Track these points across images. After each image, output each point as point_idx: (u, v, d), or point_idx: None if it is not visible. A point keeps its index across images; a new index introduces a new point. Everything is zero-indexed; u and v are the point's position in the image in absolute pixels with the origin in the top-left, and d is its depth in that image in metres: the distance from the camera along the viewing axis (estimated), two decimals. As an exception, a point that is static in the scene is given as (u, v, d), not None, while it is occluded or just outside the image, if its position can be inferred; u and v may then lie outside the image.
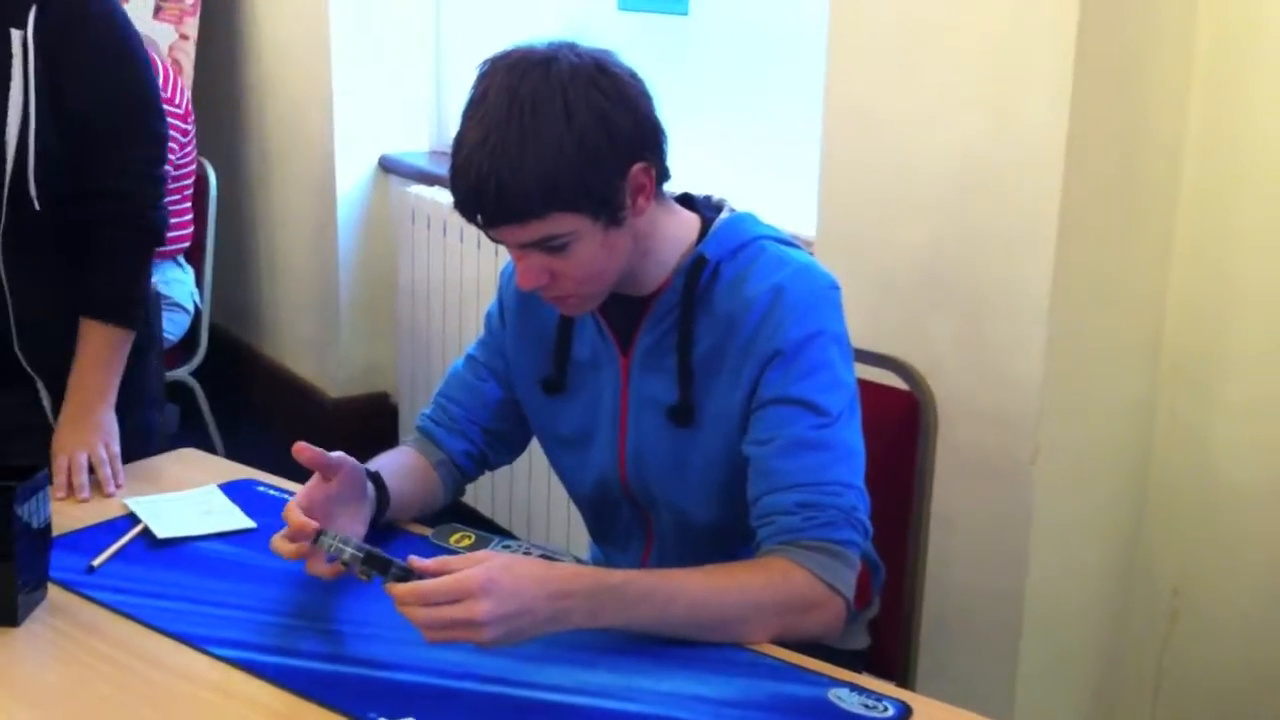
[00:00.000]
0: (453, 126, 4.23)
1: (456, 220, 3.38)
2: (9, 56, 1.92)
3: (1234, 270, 2.10)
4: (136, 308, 2.04)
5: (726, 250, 1.61)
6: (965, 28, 2.14)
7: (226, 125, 4.30)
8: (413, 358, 3.69)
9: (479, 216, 1.51)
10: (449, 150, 3.55)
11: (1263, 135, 2.03)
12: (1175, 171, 2.13)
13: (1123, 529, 2.27)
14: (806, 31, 2.64)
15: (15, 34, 1.92)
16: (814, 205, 2.43)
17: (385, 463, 1.74)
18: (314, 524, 1.50)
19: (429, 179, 3.63)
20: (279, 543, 1.54)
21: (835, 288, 1.62)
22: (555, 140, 1.46)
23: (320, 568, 1.53)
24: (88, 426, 1.94)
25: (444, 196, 3.48)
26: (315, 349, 4.15)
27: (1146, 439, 2.23)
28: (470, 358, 1.83)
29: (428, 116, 3.89)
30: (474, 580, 1.38)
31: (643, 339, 1.65)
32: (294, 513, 1.52)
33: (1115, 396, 2.21)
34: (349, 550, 1.46)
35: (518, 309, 1.76)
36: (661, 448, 1.66)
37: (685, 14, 3.02)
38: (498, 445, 1.83)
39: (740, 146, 2.96)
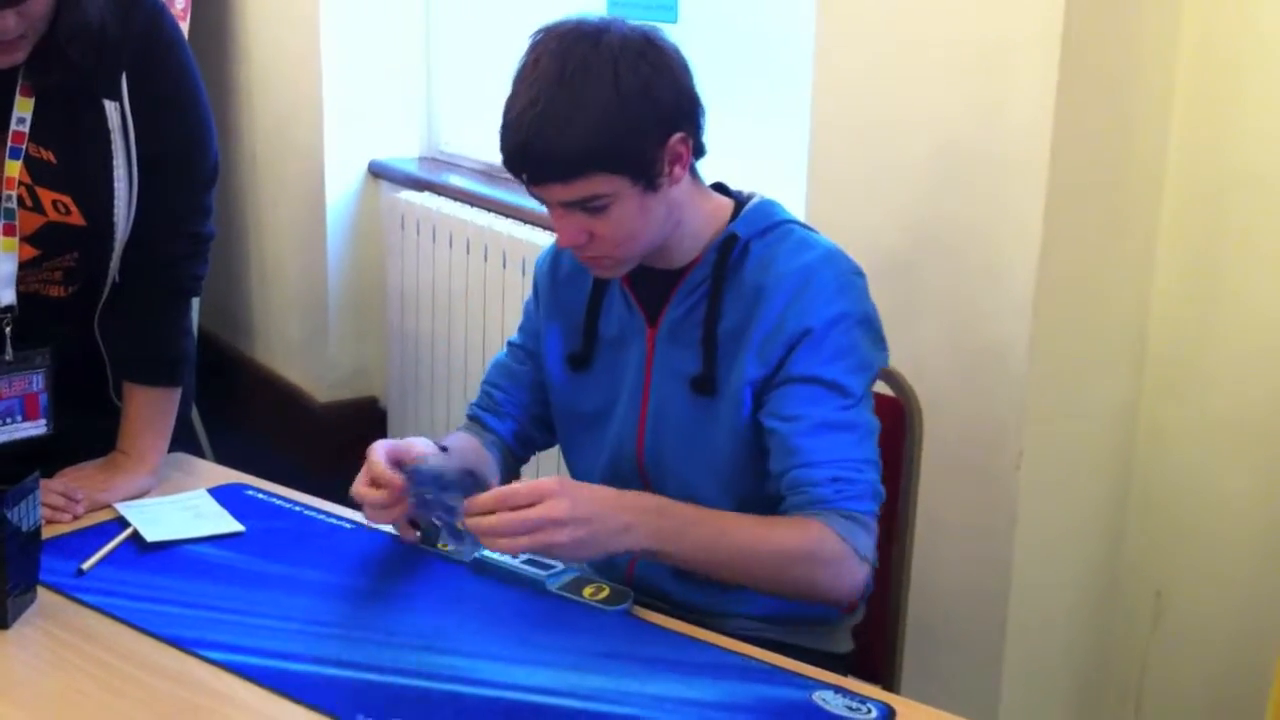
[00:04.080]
0: (443, 132, 4.20)
1: (446, 225, 3.39)
2: (107, 132, 1.82)
3: (1218, 275, 2.11)
4: (176, 366, 1.97)
5: (757, 229, 1.69)
6: (951, 31, 2.16)
7: (216, 130, 4.29)
8: (402, 362, 3.69)
9: (524, 174, 1.59)
10: (439, 156, 3.56)
11: (1248, 138, 2.04)
12: (1160, 174, 2.15)
13: (1106, 532, 2.28)
14: (794, 38, 2.65)
15: (110, 106, 1.82)
16: (801, 207, 2.44)
17: (451, 441, 1.81)
18: (397, 481, 1.61)
19: (419, 184, 3.64)
20: (364, 490, 1.64)
21: (860, 274, 1.69)
22: (602, 105, 1.54)
23: (408, 532, 1.67)
24: (119, 486, 1.87)
25: (434, 202, 3.50)
26: (304, 353, 4.15)
27: (1130, 443, 2.25)
28: (511, 344, 1.91)
29: (418, 122, 3.90)
30: (550, 482, 1.51)
31: (671, 312, 1.71)
32: (379, 460, 1.64)
33: (1099, 401, 2.22)
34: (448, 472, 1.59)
35: (550, 290, 1.83)
36: (682, 419, 1.71)
37: (674, 21, 3.03)
38: (541, 427, 1.90)
39: (727, 151, 2.96)
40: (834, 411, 1.62)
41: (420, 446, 1.69)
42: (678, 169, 1.62)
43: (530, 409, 1.88)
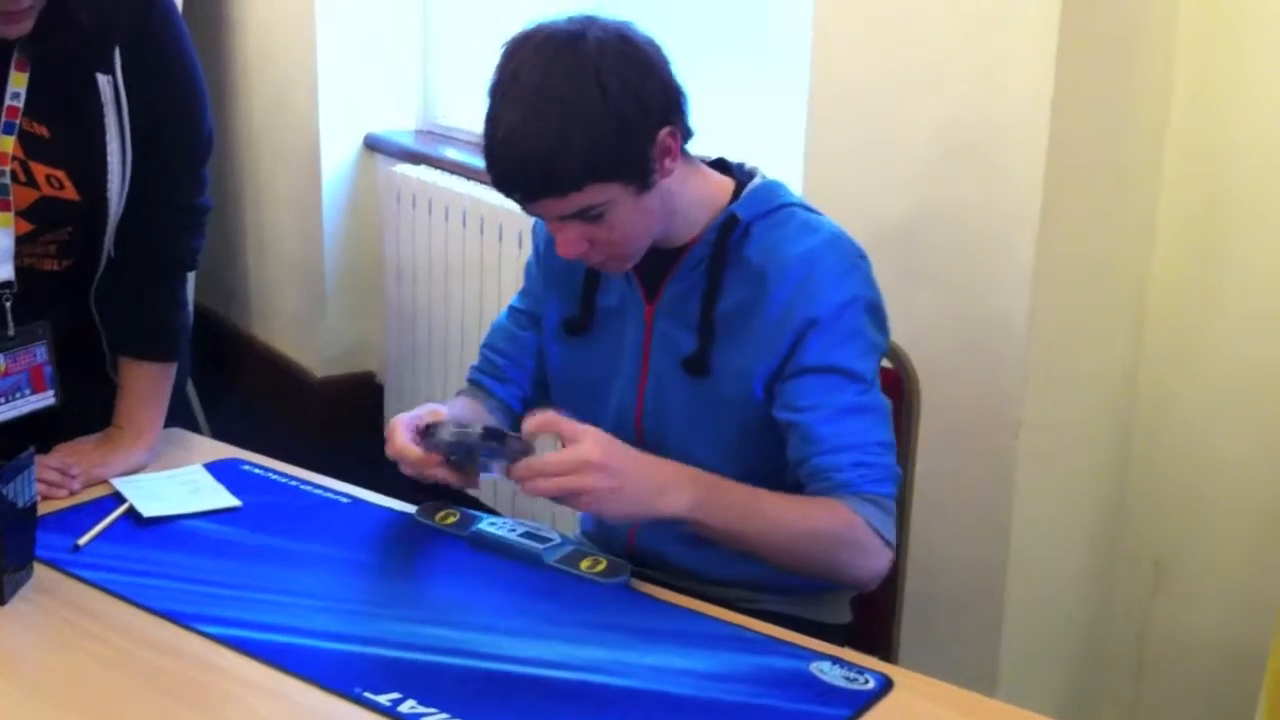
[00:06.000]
0: (439, 105, 4.16)
1: (443, 199, 3.38)
2: (100, 105, 1.81)
3: (1218, 243, 2.11)
4: (173, 340, 1.97)
5: (758, 211, 1.67)
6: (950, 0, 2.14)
7: (211, 104, 4.27)
8: (399, 337, 3.68)
9: (518, 193, 1.58)
10: (435, 129, 3.53)
11: (1249, 107, 2.04)
12: (1160, 144, 2.14)
13: (1105, 502, 2.28)
14: (792, 7, 2.64)
15: (103, 79, 1.80)
16: (799, 178, 2.43)
17: (454, 410, 1.80)
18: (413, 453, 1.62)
19: (415, 158, 3.62)
20: (403, 447, 1.63)
21: (864, 258, 1.68)
22: (592, 117, 1.52)
23: (440, 472, 1.62)
24: (115, 461, 1.87)
25: (430, 175, 3.48)
26: (301, 328, 4.15)
27: (1129, 412, 2.25)
28: (512, 308, 1.90)
29: (414, 95, 3.88)
30: (593, 428, 1.54)
31: (670, 289, 1.70)
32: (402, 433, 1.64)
33: (1098, 370, 2.22)
34: (473, 431, 1.58)
35: (549, 254, 1.81)
36: (678, 396, 1.71)
37: (670, -10, 3.02)
38: (543, 389, 1.89)
39: (725, 121, 2.95)
40: (851, 397, 1.62)
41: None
42: (668, 161, 1.60)
43: (534, 373, 1.87)
